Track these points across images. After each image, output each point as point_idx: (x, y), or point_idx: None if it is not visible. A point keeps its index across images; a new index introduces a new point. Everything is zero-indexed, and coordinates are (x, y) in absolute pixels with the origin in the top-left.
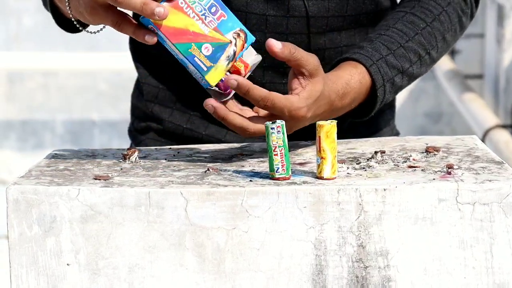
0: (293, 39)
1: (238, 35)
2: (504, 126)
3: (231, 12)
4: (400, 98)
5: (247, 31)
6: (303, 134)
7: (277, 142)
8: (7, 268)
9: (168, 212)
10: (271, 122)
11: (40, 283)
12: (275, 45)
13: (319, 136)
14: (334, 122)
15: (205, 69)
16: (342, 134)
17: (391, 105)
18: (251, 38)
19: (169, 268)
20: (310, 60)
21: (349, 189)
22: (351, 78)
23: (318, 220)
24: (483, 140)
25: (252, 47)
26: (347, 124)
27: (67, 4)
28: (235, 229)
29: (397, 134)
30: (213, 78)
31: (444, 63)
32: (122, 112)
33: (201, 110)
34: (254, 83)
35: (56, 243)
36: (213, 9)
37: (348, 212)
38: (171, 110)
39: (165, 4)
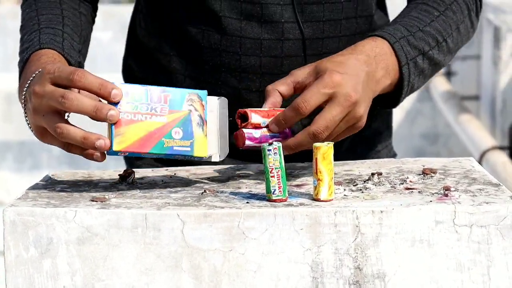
0: (289, 62)
1: (191, 99)
2: (501, 148)
3: (170, 88)
4: (397, 119)
5: (193, 90)
6: (300, 156)
7: (273, 164)
8: None
9: (164, 234)
10: (267, 144)
11: None
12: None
13: (316, 158)
14: (331, 144)
15: (188, 149)
16: (341, 155)
17: (388, 126)
18: (202, 93)
19: None
20: (301, 70)
21: (346, 211)
22: (376, 46)
23: (315, 242)
24: (480, 161)
25: (247, 71)
26: (346, 145)
27: (25, 116)
28: (232, 251)
29: (394, 155)
30: (200, 150)
31: (441, 84)
32: None
33: None
34: (250, 106)
35: (53, 265)
36: (155, 98)
37: (345, 234)
38: None
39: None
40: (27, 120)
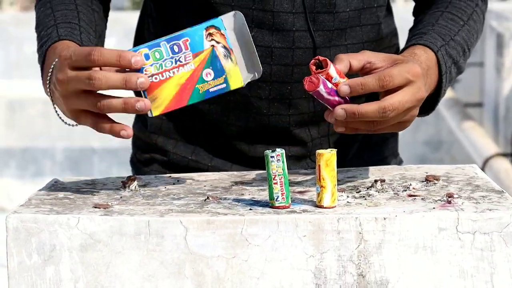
0: (299, 70)
1: (209, 34)
2: (504, 155)
3: (185, 30)
4: None
5: (207, 23)
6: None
7: (276, 171)
8: None
9: (167, 241)
10: (270, 150)
11: None
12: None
13: (319, 165)
14: (334, 151)
15: (224, 86)
16: (348, 161)
17: (394, 133)
18: (218, 21)
19: None
20: (379, 57)
21: (349, 218)
22: (421, 54)
23: (318, 249)
24: (483, 168)
25: (258, 79)
26: (353, 151)
27: (54, 108)
28: (235, 257)
29: (400, 161)
30: (236, 82)
31: None
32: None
33: (206, 141)
34: (259, 114)
35: (56, 272)
36: (175, 48)
37: (348, 241)
38: (175, 142)
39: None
40: (56, 111)
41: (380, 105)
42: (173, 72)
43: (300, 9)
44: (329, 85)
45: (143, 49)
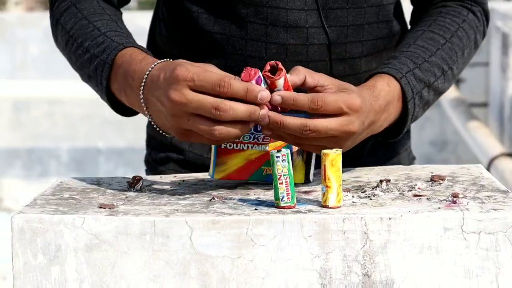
0: (314, 67)
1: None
2: (509, 155)
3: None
4: None
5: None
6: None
7: (282, 171)
8: None
9: (173, 241)
10: (276, 150)
11: None
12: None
13: (324, 165)
14: (339, 151)
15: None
16: (363, 158)
17: (407, 130)
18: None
19: None
20: (332, 81)
21: (354, 218)
22: (382, 88)
23: (323, 249)
24: (488, 168)
25: None
26: (367, 148)
27: (143, 105)
28: (240, 257)
29: (413, 158)
30: (298, 177)
31: (449, 91)
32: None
33: None
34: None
35: (61, 272)
36: (258, 127)
37: (354, 241)
38: None
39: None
40: (152, 121)
41: (303, 122)
42: (248, 147)
43: (312, 6)
44: (263, 86)
45: None
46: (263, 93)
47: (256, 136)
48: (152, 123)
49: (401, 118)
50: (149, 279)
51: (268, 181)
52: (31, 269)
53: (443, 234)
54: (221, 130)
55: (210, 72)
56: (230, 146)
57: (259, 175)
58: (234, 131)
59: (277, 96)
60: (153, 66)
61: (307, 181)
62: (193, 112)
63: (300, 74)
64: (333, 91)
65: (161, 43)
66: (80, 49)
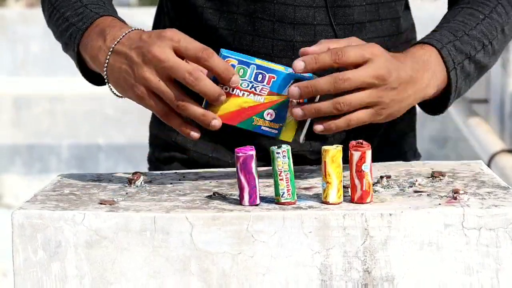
0: None
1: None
2: (510, 151)
3: (281, 70)
4: None
5: (301, 76)
6: (308, 159)
7: (282, 167)
8: None
9: (173, 237)
10: (276, 147)
11: None
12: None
13: (325, 161)
14: (340, 147)
15: (275, 132)
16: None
17: (412, 128)
18: (310, 76)
19: None
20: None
21: (355, 214)
22: (424, 53)
23: (324, 245)
24: (488, 165)
25: None
26: (374, 145)
27: (105, 73)
28: (241, 254)
29: (419, 156)
30: (287, 135)
31: None
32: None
33: (226, 138)
34: None
35: (61, 268)
36: (259, 77)
37: (354, 237)
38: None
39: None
40: (106, 78)
41: (333, 75)
42: (243, 94)
43: (320, 3)
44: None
45: (233, 60)
46: (235, 77)
47: (254, 86)
48: (106, 80)
49: (445, 90)
50: (149, 275)
51: (257, 132)
52: (31, 265)
53: (443, 230)
54: (184, 101)
55: (196, 41)
56: (226, 89)
57: (249, 124)
58: (195, 109)
59: (299, 62)
60: (134, 29)
61: (294, 142)
62: (167, 71)
63: (323, 46)
64: (359, 60)
65: None
66: (61, 19)
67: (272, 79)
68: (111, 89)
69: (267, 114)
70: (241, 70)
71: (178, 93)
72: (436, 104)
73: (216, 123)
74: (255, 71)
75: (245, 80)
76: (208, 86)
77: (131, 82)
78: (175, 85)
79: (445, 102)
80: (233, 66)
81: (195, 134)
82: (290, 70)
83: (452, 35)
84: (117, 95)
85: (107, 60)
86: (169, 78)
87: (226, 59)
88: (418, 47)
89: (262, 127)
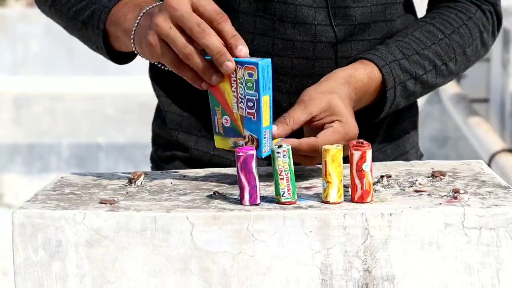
0: (320, 64)
1: (252, 140)
2: (510, 150)
3: (262, 120)
4: None
5: (262, 144)
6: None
7: (283, 166)
8: None
9: (173, 237)
10: (277, 146)
11: None
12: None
13: (325, 161)
14: (340, 147)
15: (216, 130)
16: (373, 155)
17: (415, 126)
18: (260, 153)
19: None
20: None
21: (355, 213)
22: (355, 71)
23: (324, 245)
24: (489, 164)
25: (279, 72)
26: (376, 146)
27: (132, 36)
28: (241, 253)
29: (421, 155)
30: (217, 142)
31: (450, 87)
32: (128, 136)
33: None
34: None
35: (62, 268)
36: (250, 104)
37: (354, 237)
38: (196, 138)
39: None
40: (133, 40)
41: (314, 143)
42: (234, 91)
43: (321, 4)
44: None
45: (254, 70)
46: (244, 49)
47: (242, 100)
48: (132, 42)
49: (380, 102)
50: (150, 274)
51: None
52: (32, 264)
53: (444, 230)
54: (192, 52)
55: (215, 4)
56: (232, 74)
57: (215, 103)
58: (198, 60)
59: (281, 127)
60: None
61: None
62: (178, 19)
63: (289, 122)
64: (326, 120)
65: None
66: (83, 6)
67: (251, 116)
68: (137, 52)
69: (225, 119)
70: (250, 84)
71: (186, 42)
72: (368, 110)
73: (214, 80)
74: (255, 98)
75: (245, 90)
76: (213, 40)
77: (146, 32)
78: (184, 35)
79: (377, 112)
80: (251, 74)
81: (206, 86)
82: (275, 129)
83: (401, 52)
84: (144, 57)
85: (138, 21)
86: (180, 27)
87: (251, 65)
88: (360, 64)
89: (215, 117)
